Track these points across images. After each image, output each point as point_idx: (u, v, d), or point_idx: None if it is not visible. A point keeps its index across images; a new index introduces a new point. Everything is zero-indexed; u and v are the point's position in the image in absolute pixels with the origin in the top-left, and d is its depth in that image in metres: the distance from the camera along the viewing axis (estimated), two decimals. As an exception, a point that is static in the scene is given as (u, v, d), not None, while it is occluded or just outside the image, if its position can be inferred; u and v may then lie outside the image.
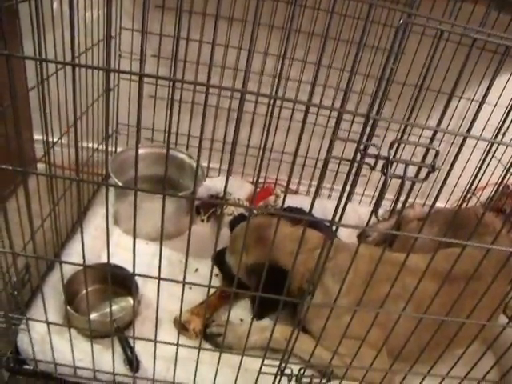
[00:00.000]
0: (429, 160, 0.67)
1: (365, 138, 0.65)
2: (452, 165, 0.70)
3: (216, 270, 1.47)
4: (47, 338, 1.01)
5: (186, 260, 0.82)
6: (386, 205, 1.95)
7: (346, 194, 0.71)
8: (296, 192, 2.09)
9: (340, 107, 0.62)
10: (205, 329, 1.25)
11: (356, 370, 1.08)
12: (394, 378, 1.15)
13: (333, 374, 1.01)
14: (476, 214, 1.51)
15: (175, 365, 1.02)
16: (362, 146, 0.64)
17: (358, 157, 0.66)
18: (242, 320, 1.35)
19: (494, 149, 1.74)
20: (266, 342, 1.16)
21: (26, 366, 1.10)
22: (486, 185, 1.95)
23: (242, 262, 1.28)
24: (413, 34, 1.63)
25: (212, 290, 1.33)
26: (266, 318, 1.26)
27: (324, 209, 1.77)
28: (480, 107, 0.69)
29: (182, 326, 1.21)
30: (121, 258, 1.07)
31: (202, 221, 1.76)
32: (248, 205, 1.76)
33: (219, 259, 1.40)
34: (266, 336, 1.20)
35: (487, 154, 0.80)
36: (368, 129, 0.64)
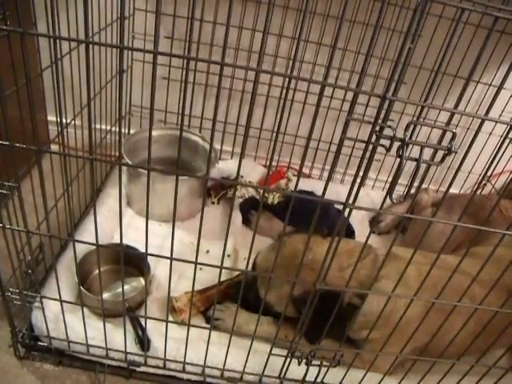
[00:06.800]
0: (445, 144, 0.65)
1: (380, 120, 0.64)
2: (469, 148, 0.68)
3: (227, 251, 1.45)
4: (61, 316, 1.03)
5: (199, 240, 0.82)
6: (400, 190, 1.93)
7: (359, 177, 0.71)
8: (309, 176, 2.09)
9: (356, 87, 0.61)
10: (205, 311, 1.25)
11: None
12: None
13: (342, 360, 1.01)
14: (499, 207, 1.47)
15: (186, 345, 1.03)
16: (377, 128, 0.63)
17: (373, 138, 0.65)
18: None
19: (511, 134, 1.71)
20: (264, 335, 1.15)
21: (41, 343, 1.13)
22: (502, 171, 1.93)
23: (284, 295, 1.14)
24: (430, 17, 1.59)
25: (223, 272, 1.31)
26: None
27: (337, 194, 1.77)
28: (498, 92, 0.67)
29: (172, 309, 1.21)
30: (133, 238, 1.08)
31: (213, 203, 1.76)
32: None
33: (248, 298, 1.21)
34: (264, 329, 1.18)
35: (504, 139, 0.78)
36: (383, 110, 0.63)
